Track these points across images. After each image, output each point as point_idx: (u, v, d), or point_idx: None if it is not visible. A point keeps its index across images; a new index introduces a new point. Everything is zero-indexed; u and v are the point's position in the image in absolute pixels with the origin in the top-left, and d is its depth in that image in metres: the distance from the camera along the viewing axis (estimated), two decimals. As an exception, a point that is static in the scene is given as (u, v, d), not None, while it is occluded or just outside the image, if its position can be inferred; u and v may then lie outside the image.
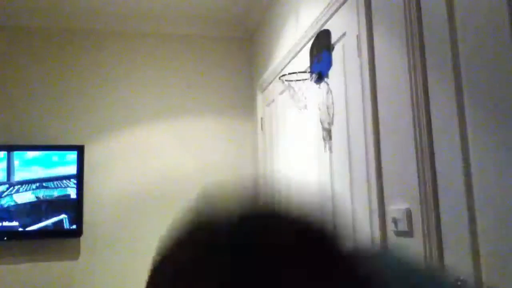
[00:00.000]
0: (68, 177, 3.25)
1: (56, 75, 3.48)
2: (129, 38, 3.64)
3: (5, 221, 3.13)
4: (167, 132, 3.58)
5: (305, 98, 2.46)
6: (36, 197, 3.19)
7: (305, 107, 2.46)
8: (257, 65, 3.62)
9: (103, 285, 3.30)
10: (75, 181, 3.25)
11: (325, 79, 2.18)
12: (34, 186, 3.20)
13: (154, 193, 3.46)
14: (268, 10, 3.30)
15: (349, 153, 1.93)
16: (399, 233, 1.55)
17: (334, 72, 2.09)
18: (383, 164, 1.66)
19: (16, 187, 3.18)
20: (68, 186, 3.24)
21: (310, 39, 2.40)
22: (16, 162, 3.21)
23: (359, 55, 1.84)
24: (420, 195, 1.43)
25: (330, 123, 2.12)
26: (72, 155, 3.28)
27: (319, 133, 2.27)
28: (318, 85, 2.27)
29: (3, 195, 3.15)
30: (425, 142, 1.42)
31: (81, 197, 3.25)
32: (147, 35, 3.68)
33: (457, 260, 1.29)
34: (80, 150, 3.29)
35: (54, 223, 3.19)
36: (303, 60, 2.52)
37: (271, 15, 3.23)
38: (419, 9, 1.47)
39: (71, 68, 3.51)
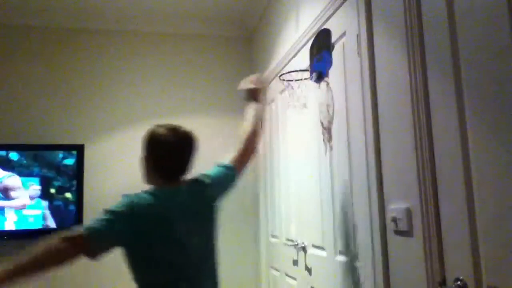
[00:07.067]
0: (68, 176, 3.25)
1: (56, 75, 3.48)
2: (129, 38, 3.64)
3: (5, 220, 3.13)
4: (167, 131, 3.58)
5: (305, 97, 2.46)
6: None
7: (305, 106, 2.46)
8: (257, 64, 3.62)
9: (103, 284, 3.30)
10: (75, 181, 3.25)
11: (325, 79, 2.17)
12: (34, 185, 3.20)
13: (154, 192, 3.47)
14: (268, 9, 3.30)
15: (349, 153, 1.93)
16: (399, 233, 1.55)
17: (334, 72, 2.09)
18: (383, 164, 1.66)
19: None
20: (68, 185, 3.24)
21: (310, 38, 2.40)
22: (15, 161, 3.21)
23: (359, 54, 1.84)
24: (420, 195, 1.43)
25: (330, 123, 2.12)
26: (72, 155, 3.28)
27: (319, 132, 2.27)
28: (318, 85, 2.27)
29: (3, 195, 3.16)
30: (425, 142, 1.42)
31: (81, 196, 3.26)
32: (147, 34, 3.68)
33: (457, 260, 1.29)
34: (80, 149, 3.30)
35: (54, 222, 3.19)
36: (303, 60, 2.51)
37: (271, 14, 3.23)
38: (419, 9, 1.47)
39: (71, 68, 3.51)
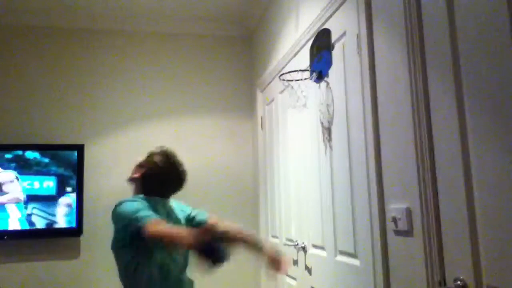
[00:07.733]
0: (68, 176, 3.25)
1: (56, 75, 3.48)
2: (129, 38, 3.64)
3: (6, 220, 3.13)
4: (167, 131, 3.58)
5: (305, 97, 2.46)
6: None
7: (305, 105, 2.46)
8: (257, 64, 3.62)
9: (103, 284, 3.30)
10: (75, 180, 3.25)
11: (325, 78, 2.18)
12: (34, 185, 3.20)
13: (154, 192, 3.46)
14: (268, 9, 3.30)
15: (349, 153, 1.93)
16: (399, 233, 1.55)
17: (334, 71, 2.09)
18: (383, 164, 1.66)
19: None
20: (68, 185, 3.25)
21: (310, 38, 2.40)
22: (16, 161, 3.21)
23: (359, 54, 1.84)
24: (420, 195, 1.43)
25: (330, 123, 2.12)
26: (72, 155, 3.29)
27: (319, 132, 2.27)
28: (318, 84, 2.27)
29: (3, 195, 3.16)
30: (425, 142, 1.42)
31: (81, 196, 3.26)
32: (146, 34, 3.68)
33: (457, 260, 1.29)
34: (80, 149, 3.30)
35: (54, 222, 3.19)
36: (303, 59, 2.51)
37: (271, 14, 3.23)
38: (419, 9, 1.47)
39: (71, 68, 3.51)
